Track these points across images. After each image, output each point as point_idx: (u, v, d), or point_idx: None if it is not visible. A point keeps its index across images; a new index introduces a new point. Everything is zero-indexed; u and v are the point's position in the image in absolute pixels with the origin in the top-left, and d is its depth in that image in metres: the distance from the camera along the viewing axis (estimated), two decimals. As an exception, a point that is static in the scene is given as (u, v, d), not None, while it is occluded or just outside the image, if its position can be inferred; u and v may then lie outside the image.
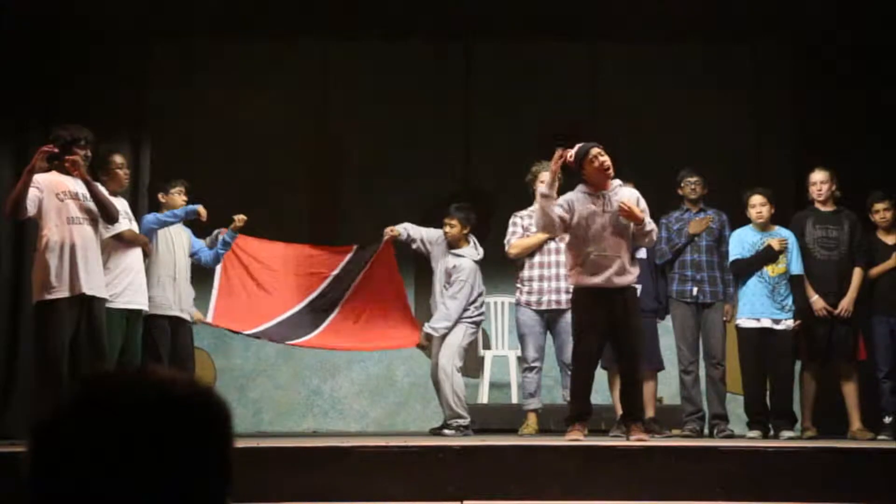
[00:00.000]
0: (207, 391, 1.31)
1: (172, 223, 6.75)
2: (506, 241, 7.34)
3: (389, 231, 7.45)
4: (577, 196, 6.29)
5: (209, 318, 7.25)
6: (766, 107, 9.24)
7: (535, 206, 7.36)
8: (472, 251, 7.36)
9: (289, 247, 7.63)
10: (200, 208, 6.70)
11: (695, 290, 7.21)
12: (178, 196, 6.84)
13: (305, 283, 7.51)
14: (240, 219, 6.96)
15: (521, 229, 7.32)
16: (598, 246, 6.17)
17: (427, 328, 7.29)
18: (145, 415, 1.25)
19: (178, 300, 6.71)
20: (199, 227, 7.07)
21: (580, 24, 8.26)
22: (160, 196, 6.86)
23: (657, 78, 9.08)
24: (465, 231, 7.33)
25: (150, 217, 6.72)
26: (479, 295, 7.36)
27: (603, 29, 8.36)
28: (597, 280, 6.16)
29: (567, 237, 6.39)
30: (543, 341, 7.30)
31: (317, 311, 7.46)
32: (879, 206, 7.22)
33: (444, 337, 7.28)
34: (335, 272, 7.54)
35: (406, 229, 7.46)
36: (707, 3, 7.97)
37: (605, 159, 6.22)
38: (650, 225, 6.26)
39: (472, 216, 7.39)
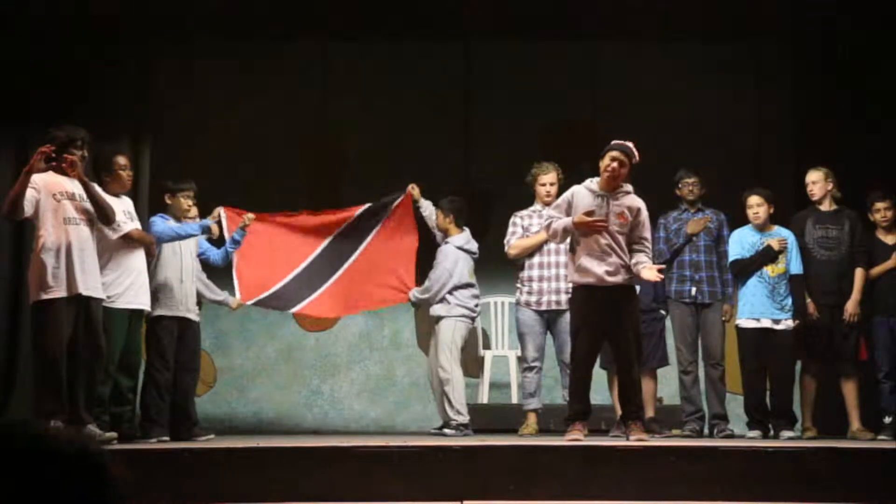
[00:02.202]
0: (83, 447, 1.34)
1: (186, 238, 6.77)
2: (505, 242, 7.35)
3: (412, 188, 7.66)
4: (579, 191, 6.29)
5: (239, 298, 7.41)
6: (766, 107, 9.24)
7: (536, 207, 7.38)
8: (460, 239, 7.41)
9: (294, 217, 7.73)
10: (214, 227, 6.83)
11: (693, 290, 7.21)
12: (183, 200, 6.83)
13: (308, 243, 7.64)
14: (248, 217, 7.07)
15: (521, 229, 7.33)
16: (596, 244, 6.18)
17: (410, 293, 7.55)
18: (13, 475, 1.27)
19: (184, 301, 6.72)
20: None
21: (580, 24, 8.26)
22: (166, 197, 6.83)
23: (657, 78, 9.07)
24: (448, 219, 7.44)
25: (165, 228, 6.67)
26: (468, 286, 7.37)
27: (603, 29, 8.35)
28: (590, 279, 6.17)
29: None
30: (543, 341, 7.31)
31: (316, 274, 7.59)
32: (880, 205, 7.21)
33: (434, 335, 7.34)
34: (339, 230, 7.69)
35: (425, 205, 7.65)
36: (707, 3, 7.96)
37: (614, 166, 6.23)
38: (642, 263, 6.21)
39: (460, 206, 7.49)
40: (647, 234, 6.33)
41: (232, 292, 7.45)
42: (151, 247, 6.55)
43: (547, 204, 7.17)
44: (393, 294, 7.72)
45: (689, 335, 7.23)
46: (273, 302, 7.60)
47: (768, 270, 7.14)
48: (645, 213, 6.33)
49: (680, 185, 7.37)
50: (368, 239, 7.69)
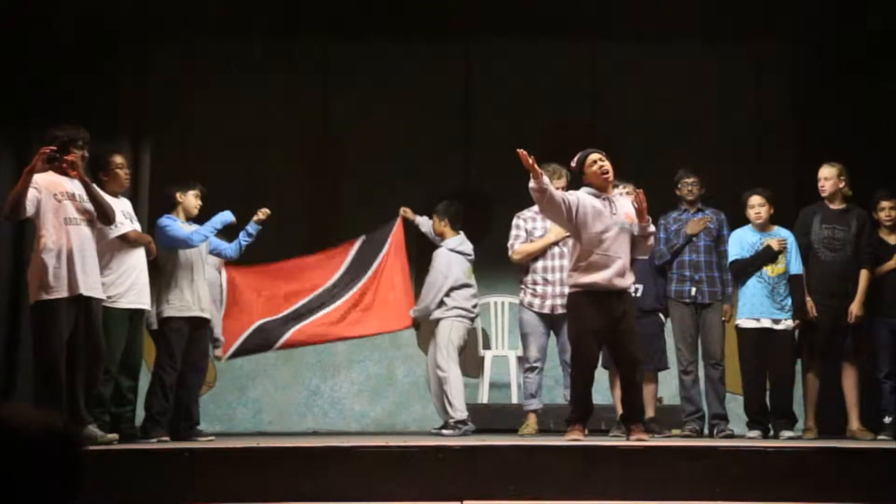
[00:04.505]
0: (58, 436, 1.36)
1: (215, 233, 6.77)
2: (509, 245, 7.33)
3: (404, 212, 7.72)
4: (583, 194, 6.28)
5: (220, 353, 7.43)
6: (766, 107, 9.24)
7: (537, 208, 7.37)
8: (453, 242, 7.43)
9: (283, 263, 7.71)
10: (232, 216, 6.80)
11: (693, 290, 7.20)
12: (193, 199, 6.82)
13: (299, 291, 7.60)
14: (263, 212, 7.03)
15: (525, 233, 7.31)
16: (602, 246, 6.17)
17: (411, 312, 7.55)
18: None
19: (196, 301, 6.69)
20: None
21: (580, 24, 8.26)
22: (178, 195, 6.81)
23: (657, 78, 9.08)
24: (442, 223, 7.48)
25: (193, 233, 6.62)
26: (465, 287, 7.37)
27: (603, 29, 8.36)
28: (597, 279, 6.15)
29: (572, 240, 6.40)
30: (546, 342, 7.30)
31: (303, 313, 7.55)
32: (885, 203, 7.17)
33: (432, 334, 7.37)
34: (336, 276, 7.67)
35: (422, 222, 7.72)
36: (707, 3, 7.97)
37: (605, 164, 6.26)
38: (652, 227, 6.28)
39: (455, 210, 7.53)
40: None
41: None
42: (150, 246, 6.54)
43: None
44: (395, 322, 7.70)
45: (690, 335, 7.23)
46: (251, 343, 7.49)
47: (768, 270, 7.14)
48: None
49: (679, 185, 7.37)
50: (367, 276, 7.67)
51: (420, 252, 8.00)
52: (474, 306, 7.45)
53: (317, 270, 7.70)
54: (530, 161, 5.90)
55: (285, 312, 7.53)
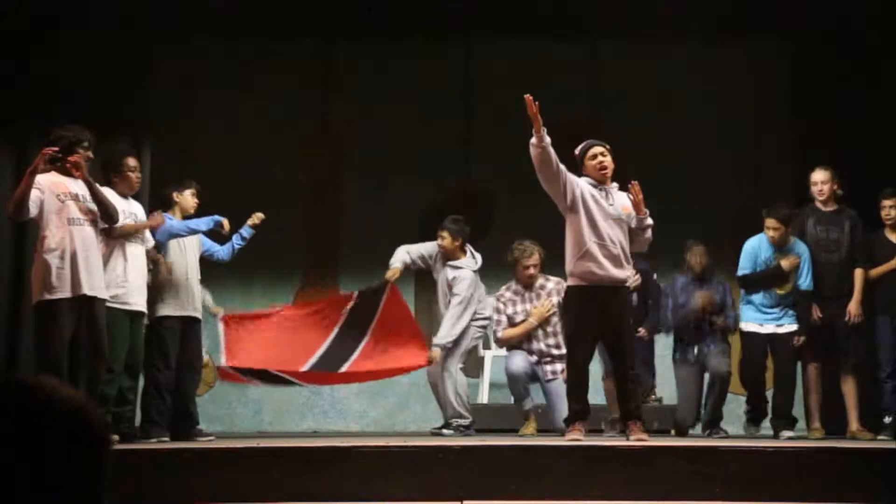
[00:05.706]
0: (84, 409, 1.34)
1: (198, 232, 6.73)
2: (492, 330, 7.39)
3: (390, 276, 7.27)
4: (582, 181, 6.27)
5: (222, 361, 7.14)
6: (766, 107, 9.24)
7: (517, 288, 7.32)
8: (470, 261, 7.31)
9: (283, 310, 7.53)
10: (225, 221, 6.72)
11: (696, 350, 7.25)
12: (190, 197, 6.82)
13: (314, 336, 7.31)
14: (258, 216, 6.98)
15: (506, 317, 7.31)
16: (599, 236, 6.15)
17: (435, 344, 7.18)
18: (10, 428, 1.27)
19: (190, 300, 6.68)
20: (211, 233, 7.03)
21: (580, 24, 8.27)
22: (174, 195, 6.81)
23: (657, 78, 9.07)
24: (457, 243, 7.25)
25: (177, 224, 6.63)
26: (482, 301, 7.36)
27: (603, 29, 8.36)
28: (595, 269, 6.12)
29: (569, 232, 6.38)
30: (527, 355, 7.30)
31: (334, 357, 7.29)
32: (887, 202, 7.14)
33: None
34: (342, 320, 7.35)
35: (404, 260, 7.33)
36: (706, 3, 7.97)
37: (605, 160, 6.24)
38: (650, 220, 6.27)
39: (466, 228, 7.32)
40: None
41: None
42: (155, 257, 6.52)
43: (527, 285, 7.21)
44: (412, 361, 7.34)
45: (695, 393, 7.26)
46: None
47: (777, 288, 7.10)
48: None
49: (687, 256, 7.34)
50: (372, 325, 7.34)
51: (420, 273, 7.93)
52: (487, 317, 7.48)
53: (311, 333, 7.30)
54: (534, 108, 5.87)
55: (315, 358, 7.24)
